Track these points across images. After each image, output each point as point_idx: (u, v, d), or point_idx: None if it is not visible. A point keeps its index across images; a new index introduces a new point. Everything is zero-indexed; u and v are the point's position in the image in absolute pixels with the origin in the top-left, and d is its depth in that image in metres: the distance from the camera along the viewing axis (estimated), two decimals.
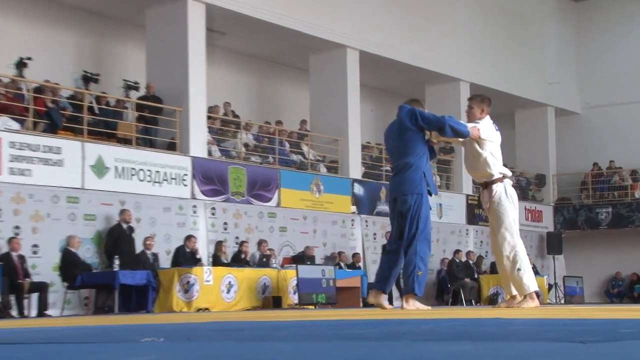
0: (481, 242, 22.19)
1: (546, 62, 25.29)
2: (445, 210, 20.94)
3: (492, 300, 19.24)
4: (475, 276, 19.85)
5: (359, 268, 17.67)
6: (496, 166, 8.22)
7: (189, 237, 14.41)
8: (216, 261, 14.62)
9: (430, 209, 8.17)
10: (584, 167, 25.22)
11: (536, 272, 21.69)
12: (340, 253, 17.58)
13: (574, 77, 26.08)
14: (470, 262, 20.13)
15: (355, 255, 18.03)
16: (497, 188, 8.16)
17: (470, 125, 8.06)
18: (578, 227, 24.31)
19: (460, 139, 8.12)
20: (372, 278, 18.31)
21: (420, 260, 7.86)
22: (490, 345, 2.52)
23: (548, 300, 21.27)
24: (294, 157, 18.36)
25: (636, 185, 24.17)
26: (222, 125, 17.28)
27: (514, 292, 8.28)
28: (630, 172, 24.51)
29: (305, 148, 18.79)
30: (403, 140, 7.87)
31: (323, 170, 18.65)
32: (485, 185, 8.28)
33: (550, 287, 22.11)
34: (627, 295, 24.02)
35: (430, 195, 8.03)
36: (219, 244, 15.09)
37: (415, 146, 7.82)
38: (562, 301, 22.31)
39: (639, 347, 2.43)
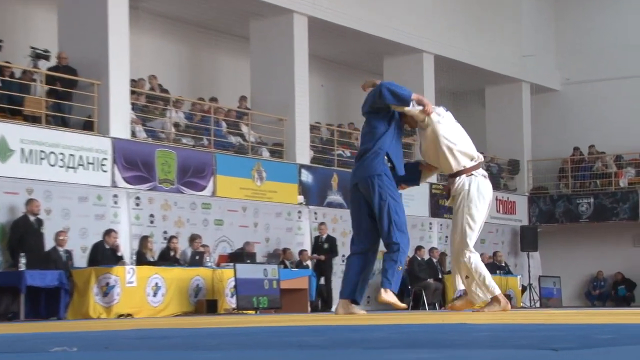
0: (446, 237, 22.42)
1: (522, 32, 25.61)
2: (405, 201, 21.02)
3: None
4: (440, 276, 20.08)
5: (307, 267, 17.74)
6: (460, 155, 8.30)
7: (108, 232, 14.31)
8: (141, 259, 14.55)
9: (400, 194, 8.31)
10: (562, 152, 25.63)
11: (508, 272, 22.07)
12: (285, 250, 17.63)
13: (552, 50, 26.47)
14: (434, 260, 20.36)
15: (302, 252, 18.09)
16: (460, 181, 8.26)
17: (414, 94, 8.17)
18: (556, 221, 24.71)
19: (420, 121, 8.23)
20: (321, 278, 18.50)
21: (403, 254, 8.12)
22: (451, 353, 2.57)
23: (522, 304, 21.62)
24: (232, 139, 18.32)
25: (621, 173, 24.66)
26: (148, 102, 17.16)
27: (460, 286, 8.48)
28: (614, 157, 24.98)
29: (245, 129, 18.75)
30: (367, 126, 8.43)
31: (266, 154, 18.64)
32: (451, 175, 8.41)
33: (524, 288, 22.47)
34: (609, 297, 24.52)
35: (396, 176, 8.22)
36: (144, 240, 15.02)
37: (375, 130, 8.15)
38: (538, 304, 22.70)
39: (615, 355, 2.51)
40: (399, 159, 8.27)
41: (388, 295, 8.09)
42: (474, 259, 8.22)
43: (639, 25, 25.62)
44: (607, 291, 24.74)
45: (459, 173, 8.28)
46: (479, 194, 8.27)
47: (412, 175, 8.51)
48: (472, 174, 8.33)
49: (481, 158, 8.60)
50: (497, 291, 8.30)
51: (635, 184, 24.26)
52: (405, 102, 8.13)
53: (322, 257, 17.95)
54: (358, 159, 8.45)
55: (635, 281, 24.12)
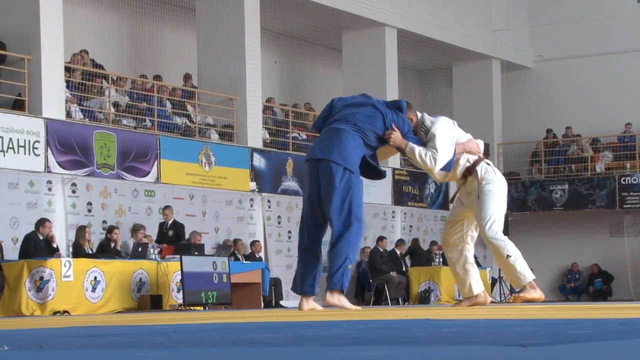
0: (410, 227, 22.58)
1: (492, 5, 25.76)
2: (366, 188, 21.16)
3: (423, 298, 19.65)
4: (404, 269, 20.21)
5: (260, 259, 17.76)
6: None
7: (42, 222, 14.20)
8: (78, 252, 14.46)
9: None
10: (535, 134, 25.87)
11: (478, 264, 22.22)
12: (236, 241, 17.62)
13: (525, 24, 26.67)
14: (398, 251, 20.47)
15: (254, 243, 18.10)
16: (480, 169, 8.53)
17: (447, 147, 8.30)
18: (528, 209, 24.94)
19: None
20: (275, 271, 18.53)
21: (353, 250, 8.18)
22: (413, 350, 2.61)
23: (491, 298, 21.83)
24: (178, 120, 18.24)
25: (598, 157, 24.97)
26: (85, 79, 17.02)
27: (476, 290, 8.69)
28: (591, 140, 25.27)
29: (191, 109, 18.68)
30: (369, 122, 8.30)
31: (214, 137, 18.59)
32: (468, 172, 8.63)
33: (494, 281, 22.68)
34: (585, 291, 24.84)
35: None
36: (81, 230, 14.93)
37: (369, 134, 8.23)
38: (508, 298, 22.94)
39: (589, 351, 2.55)
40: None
41: (334, 299, 8.20)
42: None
43: None
44: (583, 284, 25.05)
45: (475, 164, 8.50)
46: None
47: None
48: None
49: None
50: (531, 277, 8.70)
51: (612, 169, 24.56)
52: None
53: (164, 246, 16.04)
54: (330, 132, 8.29)
55: (613, 274, 24.45)
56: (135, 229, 15.67)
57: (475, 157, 8.62)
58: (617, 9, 25.61)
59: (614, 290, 24.39)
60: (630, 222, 23.87)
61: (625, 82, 25.27)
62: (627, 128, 24.75)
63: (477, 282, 8.85)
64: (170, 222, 16.56)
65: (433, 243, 21.18)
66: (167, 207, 16.55)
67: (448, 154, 8.32)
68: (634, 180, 23.66)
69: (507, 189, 8.91)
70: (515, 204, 25.08)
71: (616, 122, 24.85)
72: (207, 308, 14.45)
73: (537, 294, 8.67)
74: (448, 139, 8.33)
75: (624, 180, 23.73)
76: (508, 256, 8.52)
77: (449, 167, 8.41)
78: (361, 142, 8.18)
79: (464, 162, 8.57)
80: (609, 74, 25.45)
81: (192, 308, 14.22)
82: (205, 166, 17.69)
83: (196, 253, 15.36)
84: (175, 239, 16.34)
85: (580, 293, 24.91)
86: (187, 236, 16.61)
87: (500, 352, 2.46)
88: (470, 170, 8.59)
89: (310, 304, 8.27)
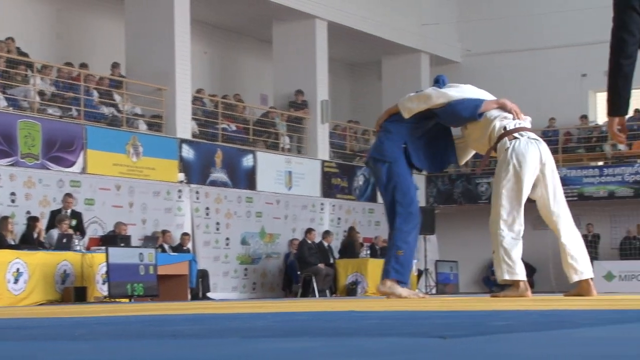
0: (339, 218, 22.66)
1: (421, 0, 25.94)
2: (295, 180, 21.24)
3: (351, 290, 19.75)
4: (331, 261, 20.28)
5: (188, 251, 17.69)
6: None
7: None
8: (0, 242, 14.24)
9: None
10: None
11: None
12: (163, 232, 17.52)
13: (454, 20, 26.92)
14: (326, 244, 20.54)
15: (183, 235, 18.01)
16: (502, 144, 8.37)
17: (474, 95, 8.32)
18: (454, 202, 25.21)
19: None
20: (202, 263, 18.45)
21: (400, 238, 8.27)
22: (334, 342, 2.62)
23: (417, 290, 22.03)
24: (105, 110, 18.05)
25: None
26: (8, 67, 16.74)
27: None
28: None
29: (119, 99, 18.49)
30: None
31: (142, 127, 18.43)
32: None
33: (420, 273, 22.90)
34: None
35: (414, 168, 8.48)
36: (3, 221, 14.71)
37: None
38: (434, 290, 23.17)
39: (508, 342, 2.59)
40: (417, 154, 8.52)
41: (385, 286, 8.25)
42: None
43: None
44: None
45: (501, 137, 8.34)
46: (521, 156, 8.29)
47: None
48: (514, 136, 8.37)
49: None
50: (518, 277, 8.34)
51: None
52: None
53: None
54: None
55: (536, 266, 24.83)
56: (60, 220, 15.46)
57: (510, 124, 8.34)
58: (543, 5, 26.00)
59: (537, 282, 24.78)
60: None
61: (550, 77, 25.68)
62: (550, 123, 25.15)
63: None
64: (69, 211, 15.75)
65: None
66: (68, 194, 15.84)
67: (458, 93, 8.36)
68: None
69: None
70: (442, 197, 25.34)
71: (541, 117, 25.23)
72: (132, 300, 14.34)
73: (515, 293, 8.33)
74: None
75: None
76: (493, 251, 8.48)
77: (473, 112, 8.25)
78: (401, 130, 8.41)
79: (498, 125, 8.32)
80: (534, 69, 25.83)
81: (117, 300, 14.11)
82: (132, 157, 17.53)
83: (122, 244, 15.25)
84: (75, 228, 15.57)
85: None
86: (112, 227, 16.47)
87: (420, 344, 2.49)
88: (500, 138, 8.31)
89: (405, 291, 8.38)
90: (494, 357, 2.06)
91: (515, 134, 8.28)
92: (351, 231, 21.47)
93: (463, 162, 9.04)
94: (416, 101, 8.58)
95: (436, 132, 8.60)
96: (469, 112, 8.33)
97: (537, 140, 8.42)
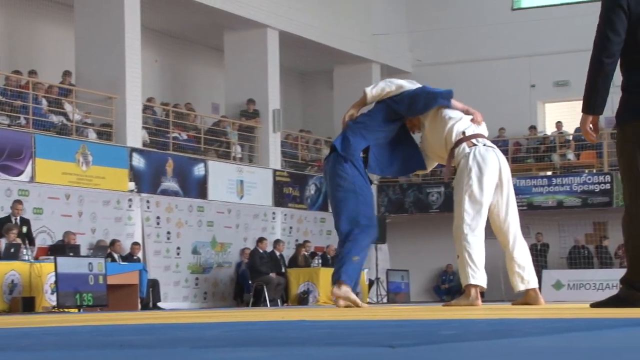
0: (290, 227, 22.65)
1: (372, 10, 26.07)
2: (247, 189, 21.21)
3: (302, 299, 19.75)
4: (283, 270, 20.27)
5: (138, 261, 17.58)
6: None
7: None
8: None
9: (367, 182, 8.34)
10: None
11: None
12: (113, 242, 17.40)
13: (404, 30, 27.07)
14: (277, 253, 20.53)
15: (133, 244, 17.89)
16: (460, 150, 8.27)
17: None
18: (405, 211, 25.33)
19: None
20: (153, 272, 18.35)
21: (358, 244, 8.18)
22: (283, 351, 2.62)
23: (368, 300, 22.10)
24: (54, 118, 17.90)
25: None
26: None
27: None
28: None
29: (68, 107, 18.34)
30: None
31: (92, 136, 18.30)
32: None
33: (371, 282, 22.98)
34: (459, 291, 25.33)
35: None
36: None
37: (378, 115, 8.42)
38: (385, 299, 23.26)
39: (456, 351, 2.60)
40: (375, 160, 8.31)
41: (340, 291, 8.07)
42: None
43: (494, 5, 26.55)
44: (457, 285, 25.55)
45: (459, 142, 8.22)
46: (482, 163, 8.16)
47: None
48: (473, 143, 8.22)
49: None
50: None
51: None
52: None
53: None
54: None
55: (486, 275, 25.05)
56: (8, 229, 15.27)
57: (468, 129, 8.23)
58: (492, 15, 26.27)
59: (487, 291, 24.95)
60: None
61: (500, 88, 25.92)
62: (500, 133, 25.39)
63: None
64: (18, 218, 15.58)
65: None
66: (17, 201, 15.69)
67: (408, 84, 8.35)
68: None
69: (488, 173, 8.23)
70: (393, 206, 25.45)
71: (490, 127, 25.36)
72: (81, 310, 14.21)
73: (465, 302, 8.16)
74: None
75: None
76: (457, 256, 8.33)
77: (448, 94, 8.22)
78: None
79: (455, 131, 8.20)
80: (484, 80, 26.05)
81: (66, 310, 13.97)
82: (82, 165, 17.39)
83: (71, 254, 15.13)
84: (26, 235, 15.42)
85: (454, 294, 25.38)
86: (61, 237, 16.32)
87: (369, 353, 2.49)
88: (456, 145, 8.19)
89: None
90: None
91: (473, 140, 8.25)
92: (298, 247, 21.49)
93: (430, 168, 8.94)
94: (387, 86, 8.51)
95: (402, 137, 8.50)
96: (444, 94, 8.28)
97: (493, 148, 8.42)
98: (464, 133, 8.23)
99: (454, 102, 8.35)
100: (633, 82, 5.80)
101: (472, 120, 8.32)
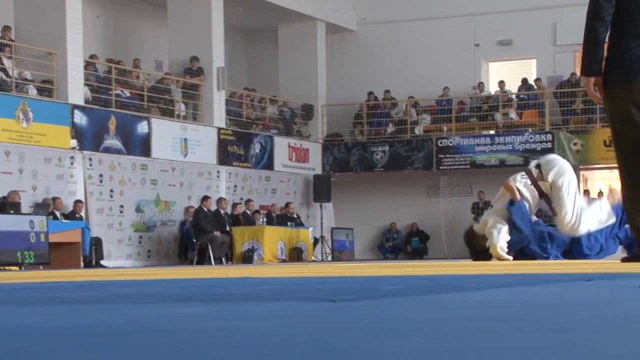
0: (235, 186, 22.62)
1: None
2: (191, 147, 21.09)
3: (247, 258, 19.78)
4: (227, 229, 20.26)
5: (80, 219, 17.47)
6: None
7: None
8: None
9: None
10: (358, 96, 26.30)
11: (300, 224, 22.57)
12: (55, 199, 17.24)
13: None
14: (222, 211, 20.50)
15: (76, 202, 17.75)
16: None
17: None
18: (350, 169, 25.40)
19: None
20: (96, 231, 18.23)
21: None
22: (225, 307, 2.63)
23: (313, 257, 22.21)
24: None
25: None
26: None
27: None
28: (413, 103, 25.89)
29: (8, 63, 18.06)
30: None
31: (33, 92, 18.05)
32: None
33: (316, 241, 23.08)
34: (402, 250, 25.58)
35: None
36: None
37: None
38: (330, 257, 23.38)
39: (394, 305, 2.64)
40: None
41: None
42: None
43: None
44: (401, 243, 25.79)
45: None
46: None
47: None
48: None
49: None
50: None
51: (430, 132, 25.29)
52: None
53: None
54: None
55: (429, 233, 25.27)
56: None
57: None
58: None
59: (430, 249, 25.23)
60: (445, 183, 24.69)
61: (444, 47, 25.97)
62: (444, 92, 25.51)
63: None
64: None
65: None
66: None
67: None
68: (450, 142, 24.45)
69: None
70: (338, 164, 25.51)
71: (434, 86, 25.55)
72: (23, 268, 14.10)
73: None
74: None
75: (441, 143, 24.49)
76: None
77: None
78: None
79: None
80: (428, 39, 26.08)
81: (6, 268, 13.86)
82: (22, 122, 17.16)
83: (12, 212, 14.97)
84: None
85: (398, 252, 25.63)
86: (5, 194, 16.14)
87: (309, 308, 2.52)
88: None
89: None
90: (380, 319, 2.10)
91: None
92: (247, 203, 21.47)
93: None
94: None
95: None
96: None
97: None
98: None
99: None
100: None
101: None
